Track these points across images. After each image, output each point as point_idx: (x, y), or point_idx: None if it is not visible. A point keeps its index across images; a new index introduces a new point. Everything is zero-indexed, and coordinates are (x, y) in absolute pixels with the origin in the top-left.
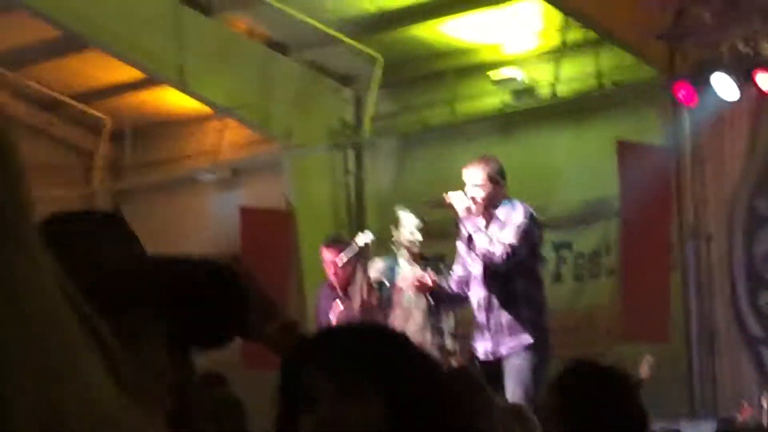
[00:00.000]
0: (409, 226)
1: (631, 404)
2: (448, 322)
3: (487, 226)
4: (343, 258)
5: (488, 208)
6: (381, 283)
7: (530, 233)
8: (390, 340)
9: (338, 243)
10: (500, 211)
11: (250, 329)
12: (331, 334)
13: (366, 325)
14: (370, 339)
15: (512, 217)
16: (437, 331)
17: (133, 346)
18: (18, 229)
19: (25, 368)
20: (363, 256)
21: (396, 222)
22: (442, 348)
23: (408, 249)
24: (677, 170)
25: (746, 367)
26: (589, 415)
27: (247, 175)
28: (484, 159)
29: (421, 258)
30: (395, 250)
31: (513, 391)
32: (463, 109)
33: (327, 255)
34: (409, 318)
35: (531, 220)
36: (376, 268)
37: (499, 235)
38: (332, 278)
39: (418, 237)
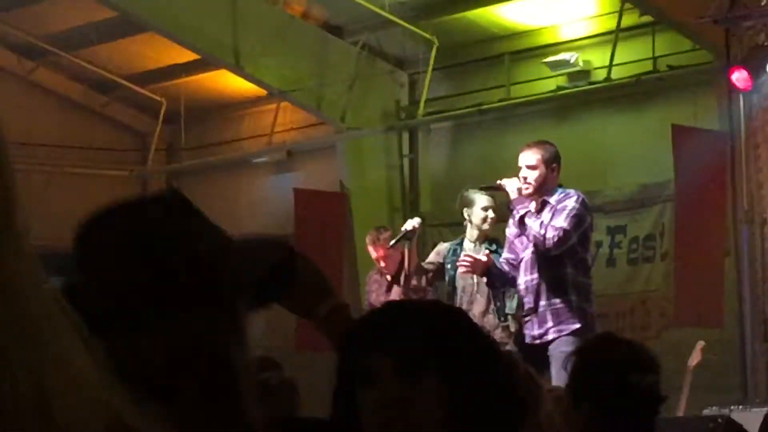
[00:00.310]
0: (481, 205)
1: None
2: (510, 305)
3: (539, 212)
4: (390, 242)
5: (541, 192)
6: (442, 265)
7: (582, 220)
8: (446, 316)
9: (382, 232)
10: (553, 198)
11: (302, 306)
12: (387, 311)
13: (422, 302)
14: (427, 315)
15: (566, 203)
16: (500, 313)
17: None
18: (4, 217)
19: (18, 359)
20: (410, 239)
21: (462, 203)
22: (506, 329)
23: (479, 228)
24: (732, 155)
25: None
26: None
27: (302, 157)
28: (541, 143)
29: (487, 239)
30: (466, 231)
31: (557, 376)
32: (518, 93)
33: (375, 252)
34: (473, 301)
35: (584, 206)
36: (438, 251)
37: (551, 220)
38: (382, 268)
39: (491, 215)
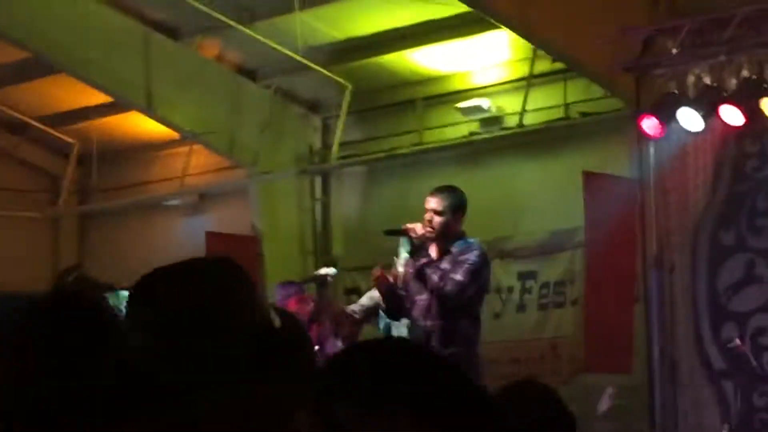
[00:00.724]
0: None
1: None
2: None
3: (440, 259)
4: (309, 303)
5: (442, 237)
6: (375, 308)
7: (480, 275)
8: (406, 352)
9: (290, 290)
10: (454, 248)
11: None
12: (348, 357)
13: (381, 342)
14: (387, 355)
15: (467, 255)
16: None
17: None
18: None
19: None
20: (324, 286)
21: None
22: None
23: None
24: (642, 201)
25: (708, 400)
26: None
27: (214, 200)
28: (450, 188)
29: None
30: None
31: None
32: (431, 138)
33: (290, 306)
34: None
35: (483, 260)
36: (371, 296)
37: (450, 272)
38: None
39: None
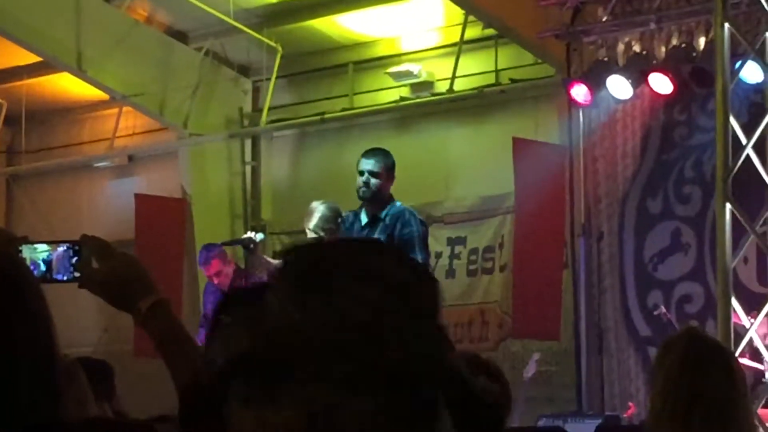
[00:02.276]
0: (318, 219)
1: None
2: None
3: (371, 224)
4: (232, 264)
5: (376, 199)
6: None
7: (426, 241)
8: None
9: (211, 253)
10: (386, 214)
11: (123, 300)
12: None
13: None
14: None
15: (406, 231)
16: None
17: None
18: None
19: None
20: (250, 250)
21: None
22: None
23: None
24: (571, 168)
25: (634, 366)
26: None
27: (144, 162)
28: (383, 151)
29: None
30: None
31: None
32: (361, 102)
33: (207, 272)
34: None
35: (424, 225)
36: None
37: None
38: (219, 286)
39: (321, 234)
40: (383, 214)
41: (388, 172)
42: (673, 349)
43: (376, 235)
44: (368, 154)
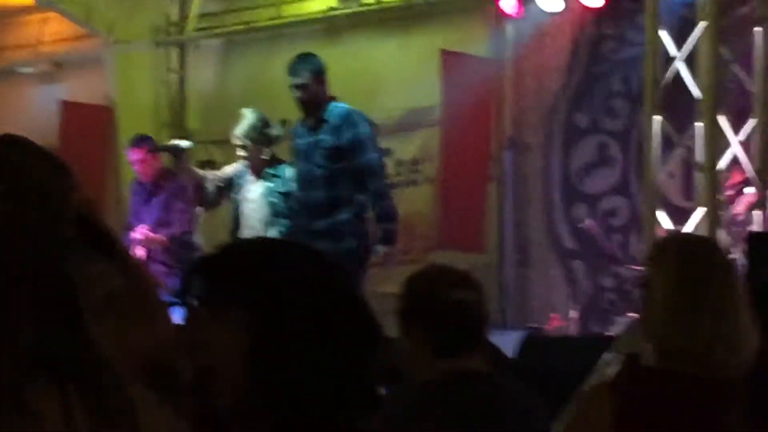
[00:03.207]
0: (247, 127)
1: None
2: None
3: (316, 128)
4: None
5: (315, 108)
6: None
7: (375, 139)
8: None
9: (143, 142)
10: (328, 114)
11: None
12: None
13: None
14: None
15: (353, 129)
16: None
17: None
18: None
19: None
20: (179, 157)
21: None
22: None
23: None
24: (499, 81)
25: (558, 279)
26: None
27: (69, 69)
28: (303, 57)
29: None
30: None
31: None
32: (289, 12)
33: (133, 155)
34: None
35: (372, 125)
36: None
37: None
38: (141, 176)
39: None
40: (326, 115)
41: (315, 77)
42: (668, 250)
43: (322, 137)
44: (291, 68)
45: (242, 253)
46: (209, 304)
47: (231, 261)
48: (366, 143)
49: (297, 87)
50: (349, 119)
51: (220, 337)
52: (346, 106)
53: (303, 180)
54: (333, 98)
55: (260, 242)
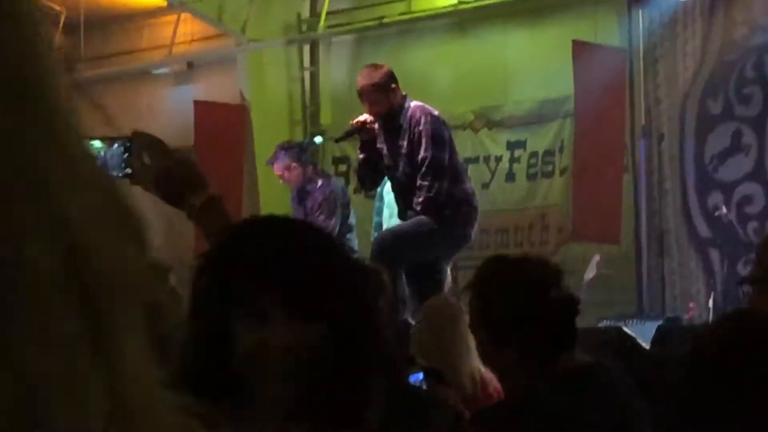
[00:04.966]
0: None
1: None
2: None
3: (396, 140)
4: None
5: (390, 117)
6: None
7: (441, 135)
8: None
9: (277, 157)
10: (402, 119)
11: (176, 196)
12: (283, 236)
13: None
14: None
15: (417, 126)
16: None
17: None
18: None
19: None
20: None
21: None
22: None
23: None
24: (631, 70)
25: (694, 268)
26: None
27: (203, 69)
28: (370, 70)
29: None
30: None
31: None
32: (420, 6)
33: (275, 170)
34: None
35: (436, 122)
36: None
37: (414, 150)
38: (289, 185)
39: None
40: (401, 121)
41: (383, 88)
42: None
43: (400, 142)
44: (359, 88)
45: (295, 260)
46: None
47: (283, 266)
48: (422, 139)
49: (366, 102)
50: (413, 117)
51: (301, 351)
52: (414, 104)
53: (394, 187)
54: (404, 99)
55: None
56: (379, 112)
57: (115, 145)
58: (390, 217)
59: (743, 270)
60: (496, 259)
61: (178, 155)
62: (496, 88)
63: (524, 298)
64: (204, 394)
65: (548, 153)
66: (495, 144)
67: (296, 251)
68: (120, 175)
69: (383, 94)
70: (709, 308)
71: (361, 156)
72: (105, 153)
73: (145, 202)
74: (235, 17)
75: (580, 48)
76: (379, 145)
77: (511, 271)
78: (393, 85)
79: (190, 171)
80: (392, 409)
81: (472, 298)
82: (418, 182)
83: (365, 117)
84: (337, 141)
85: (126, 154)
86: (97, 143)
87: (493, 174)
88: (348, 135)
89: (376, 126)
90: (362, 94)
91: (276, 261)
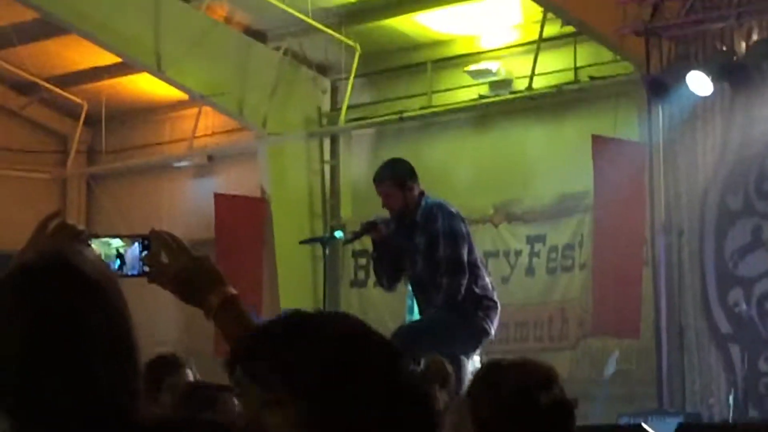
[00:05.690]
0: None
1: None
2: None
3: (413, 237)
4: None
5: (407, 213)
6: None
7: (459, 232)
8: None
9: None
10: (420, 216)
11: (195, 295)
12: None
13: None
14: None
15: (433, 224)
16: None
17: None
18: None
19: None
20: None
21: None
22: None
23: None
24: (651, 165)
25: (714, 364)
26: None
27: (223, 162)
28: (390, 165)
29: None
30: None
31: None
32: (440, 101)
33: None
34: None
35: (455, 218)
36: None
37: (430, 250)
38: None
39: None
40: (417, 218)
41: (401, 184)
42: None
43: (416, 240)
44: (376, 174)
45: (306, 339)
46: (266, 387)
47: (293, 346)
48: (437, 239)
49: (382, 196)
50: (429, 214)
51: (274, 423)
52: (432, 201)
53: (413, 283)
54: (422, 196)
55: (323, 326)
56: (393, 207)
57: (135, 244)
58: (411, 312)
59: (764, 366)
60: (489, 365)
61: (196, 254)
62: (515, 182)
63: (513, 405)
64: None
65: (568, 247)
66: (514, 238)
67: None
68: (137, 273)
69: (399, 190)
70: (729, 405)
71: (374, 255)
72: (124, 251)
73: (165, 298)
74: (256, 111)
75: (600, 143)
76: (395, 243)
77: (501, 376)
78: (411, 184)
79: (207, 270)
80: None
81: (464, 403)
82: (438, 280)
83: (375, 217)
84: (344, 243)
85: (144, 252)
86: (116, 242)
87: (512, 268)
88: (356, 236)
89: (386, 226)
90: (378, 186)
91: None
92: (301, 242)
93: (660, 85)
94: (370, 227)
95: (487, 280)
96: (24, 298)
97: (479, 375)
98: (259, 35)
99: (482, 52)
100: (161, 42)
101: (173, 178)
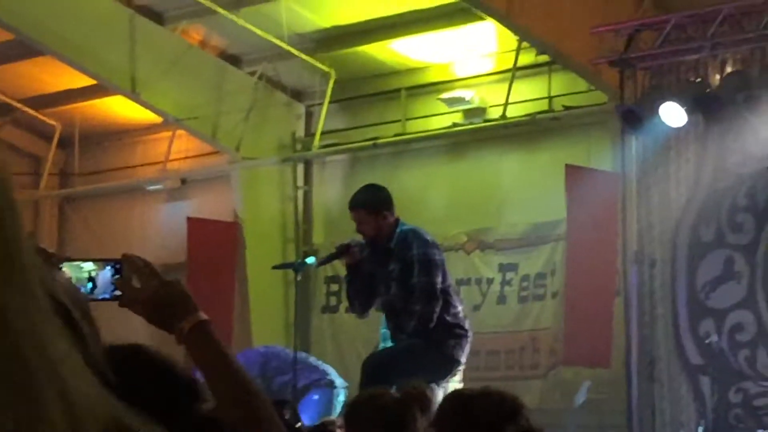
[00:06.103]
0: None
1: None
2: None
3: (386, 263)
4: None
5: (382, 239)
6: None
7: (433, 260)
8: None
9: None
10: (395, 242)
11: (165, 321)
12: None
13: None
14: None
15: (408, 251)
16: None
17: None
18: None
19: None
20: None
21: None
22: None
23: None
24: (624, 195)
25: (685, 395)
26: None
27: (196, 186)
28: (366, 192)
29: None
30: None
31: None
32: (414, 128)
33: None
34: None
35: (428, 246)
36: None
37: (404, 276)
38: None
39: None
40: (392, 244)
41: (376, 212)
42: None
43: (390, 267)
44: (351, 203)
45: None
46: None
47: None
48: (413, 266)
49: (356, 223)
50: (405, 241)
51: None
52: (408, 227)
53: (385, 309)
54: (397, 223)
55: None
56: (366, 234)
57: (106, 268)
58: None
59: (734, 397)
60: (453, 395)
61: (167, 279)
62: (488, 210)
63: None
64: None
65: (540, 276)
66: (487, 266)
67: None
68: (110, 297)
69: (373, 217)
70: None
71: (347, 278)
72: (96, 275)
73: (136, 322)
74: (230, 135)
75: (573, 172)
76: (368, 269)
77: (465, 408)
78: (385, 212)
79: (179, 295)
80: None
81: None
82: (410, 306)
83: (350, 241)
84: (318, 265)
85: (116, 276)
86: (88, 265)
87: (484, 296)
88: (330, 259)
89: (360, 250)
90: (353, 212)
91: None
92: (274, 267)
93: (634, 115)
94: (344, 250)
95: (460, 308)
96: None
97: (444, 406)
98: (234, 59)
99: (457, 80)
100: (136, 65)
101: (146, 201)
